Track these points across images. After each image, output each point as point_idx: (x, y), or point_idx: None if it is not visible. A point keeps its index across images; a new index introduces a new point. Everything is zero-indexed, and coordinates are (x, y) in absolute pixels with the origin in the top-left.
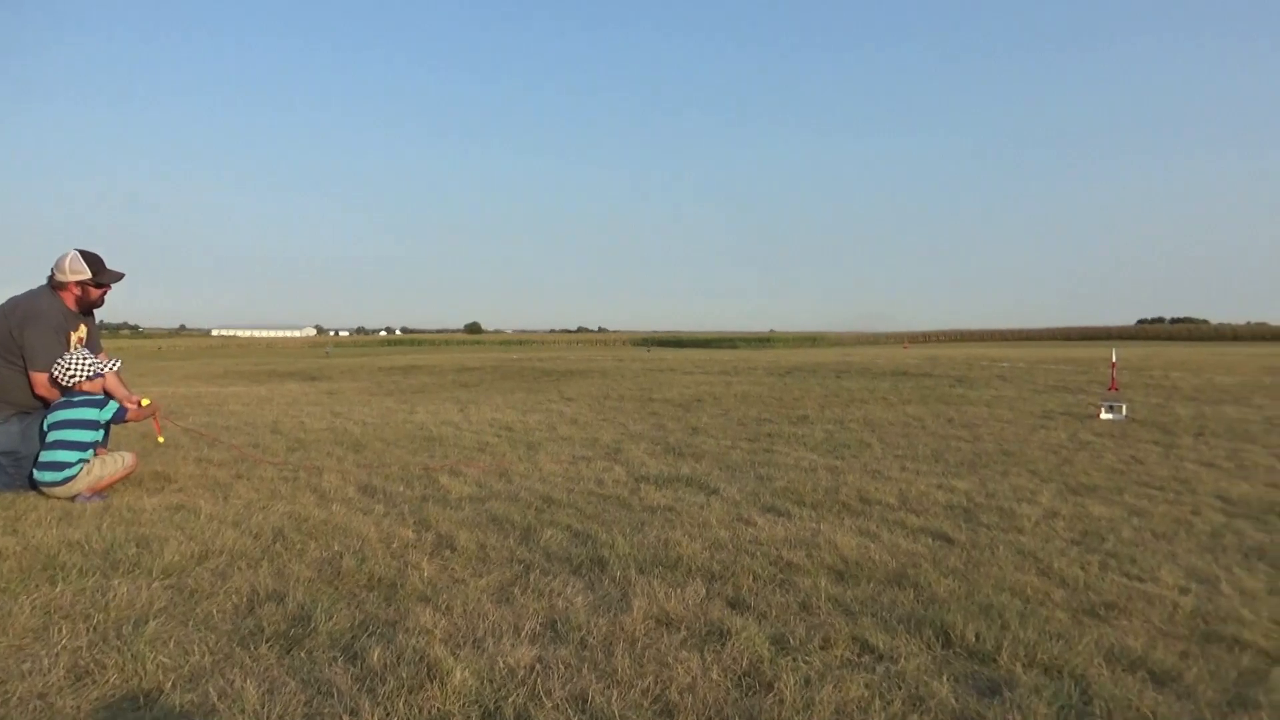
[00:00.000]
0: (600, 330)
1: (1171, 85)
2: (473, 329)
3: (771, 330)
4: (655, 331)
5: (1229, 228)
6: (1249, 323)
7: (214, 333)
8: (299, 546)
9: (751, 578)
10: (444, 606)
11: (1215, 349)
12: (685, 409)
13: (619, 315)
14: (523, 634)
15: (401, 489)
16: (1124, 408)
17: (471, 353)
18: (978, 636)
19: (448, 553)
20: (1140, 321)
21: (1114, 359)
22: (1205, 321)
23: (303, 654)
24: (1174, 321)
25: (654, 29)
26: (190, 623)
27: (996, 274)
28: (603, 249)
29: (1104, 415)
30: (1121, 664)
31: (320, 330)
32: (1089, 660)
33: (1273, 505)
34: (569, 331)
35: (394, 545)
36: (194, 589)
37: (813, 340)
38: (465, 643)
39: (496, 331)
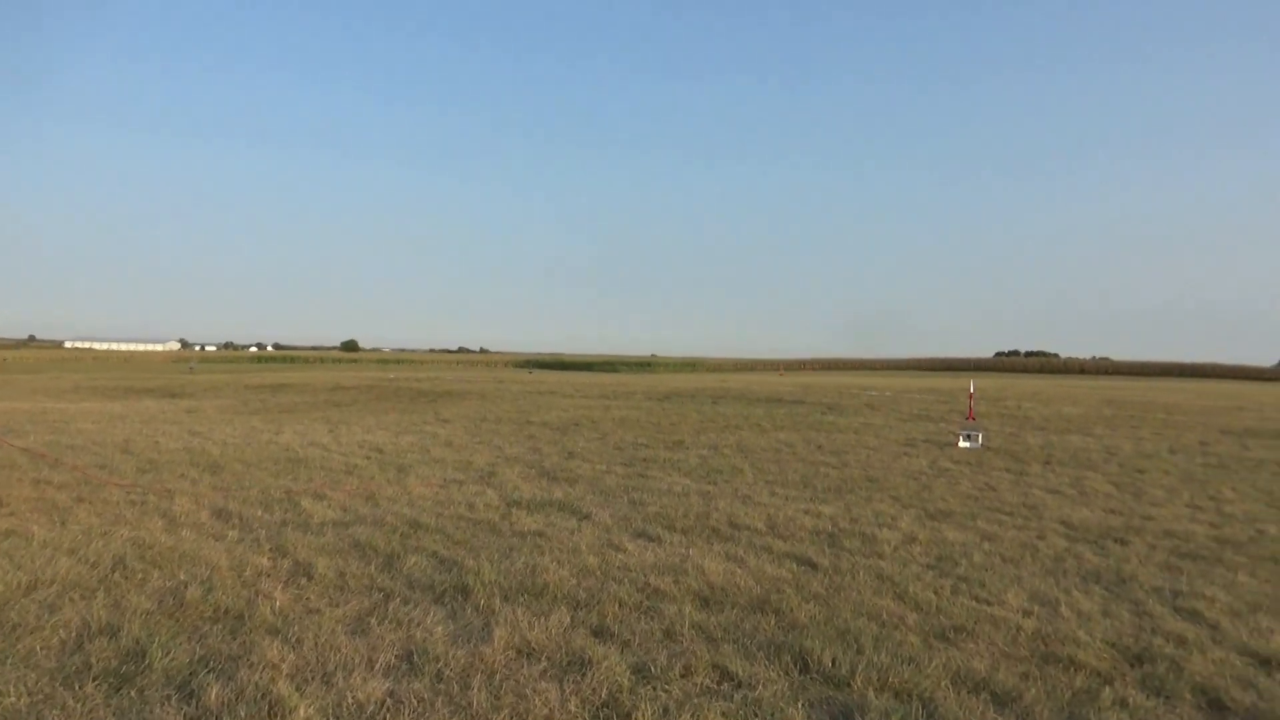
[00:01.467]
0: (482, 351)
1: (1028, 122)
2: (349, 347)
3: (653, 354)
4: (538, 353)
5: (1079, 267)
6: (1094, 357)
7: (67, 345)
8: (140, 576)
9: (618, 605)
10: (294, 639)
11: (1063, 381)
12: (563, 432)
13: (502, 336)
14: (376, 667)
15: (260, 513)
16: (980, 436)
17: (346, 372)
18: (834, 661)
19: (304, 581)
20: (998, 354)
21: (971, 389)
22: (1055, 355)
23: (133, 693)
24: (1028, 355)
25: (530, 47)
26: (9, 660)
27: (867, 305)
28: (486, 268)
29: (962, 443)
30: (967, 686)
31: (184, 344)
32: (937, 683)
33: (1110, 530)
34: (449, 352)
35: (246, 574)
36: (17, 623)
37: (692, 365)
38: (313, 678)
39: (374, 350)
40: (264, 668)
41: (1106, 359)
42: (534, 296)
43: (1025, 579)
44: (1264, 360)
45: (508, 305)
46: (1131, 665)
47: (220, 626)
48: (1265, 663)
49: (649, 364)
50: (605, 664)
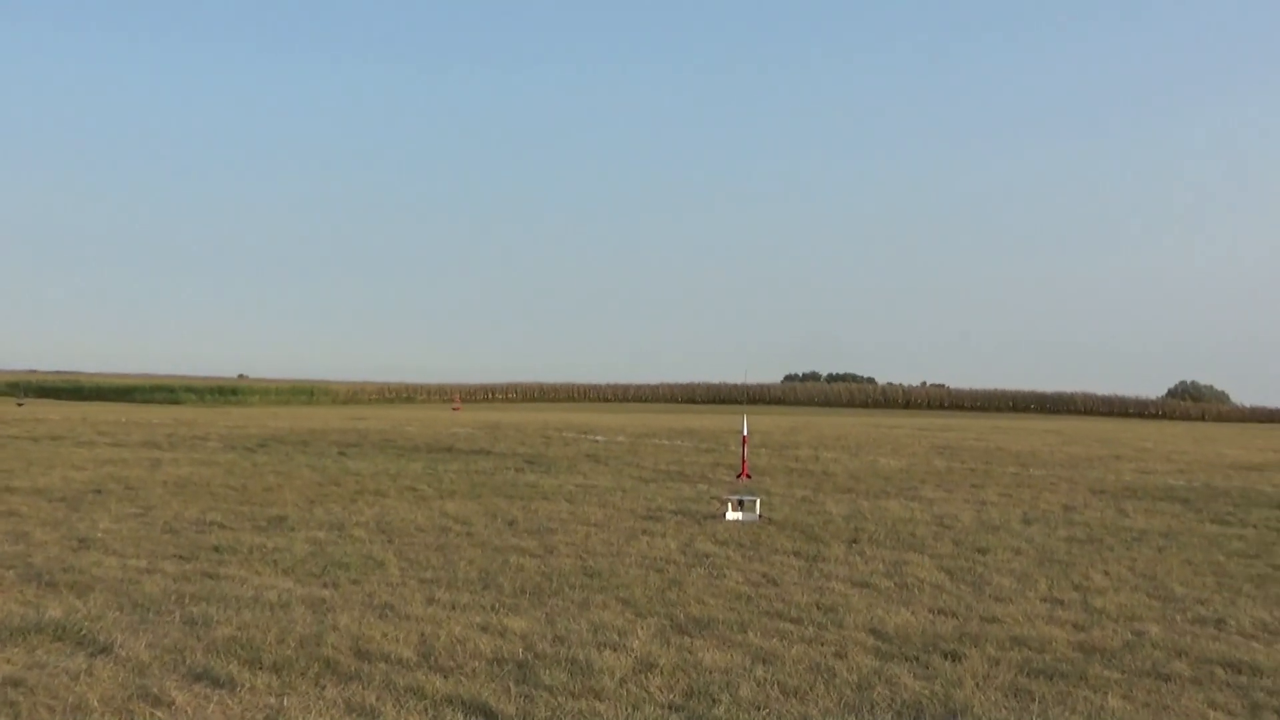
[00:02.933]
0: None
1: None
2: None
3: (242, 375)
4: (35, 372)
5: (901, 264)
6: (924, 384)
7: None
8: None
9: None
10: None
11: (881, 419)
12: (73, 507)
13: None
14: None
15: None
16: (757, 504)
17: None
18: None
19: None
20: (788, 378)
21: (744, 432)
22: (870, 380)
23: None
24: (831, 379)
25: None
26: None
27: (596, 310)
28: None
29: (730, 515)
30: None
31: None
32: None
33: (938, 640)
34: None
35: None
36: None
37: (308, 392)
38: None
39: None
40: None
41: (941, 387)
42: (45, 283)
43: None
44: (1149, 390)
45: None
46: None
47: None
48: None
49: (235, 390)
50: None
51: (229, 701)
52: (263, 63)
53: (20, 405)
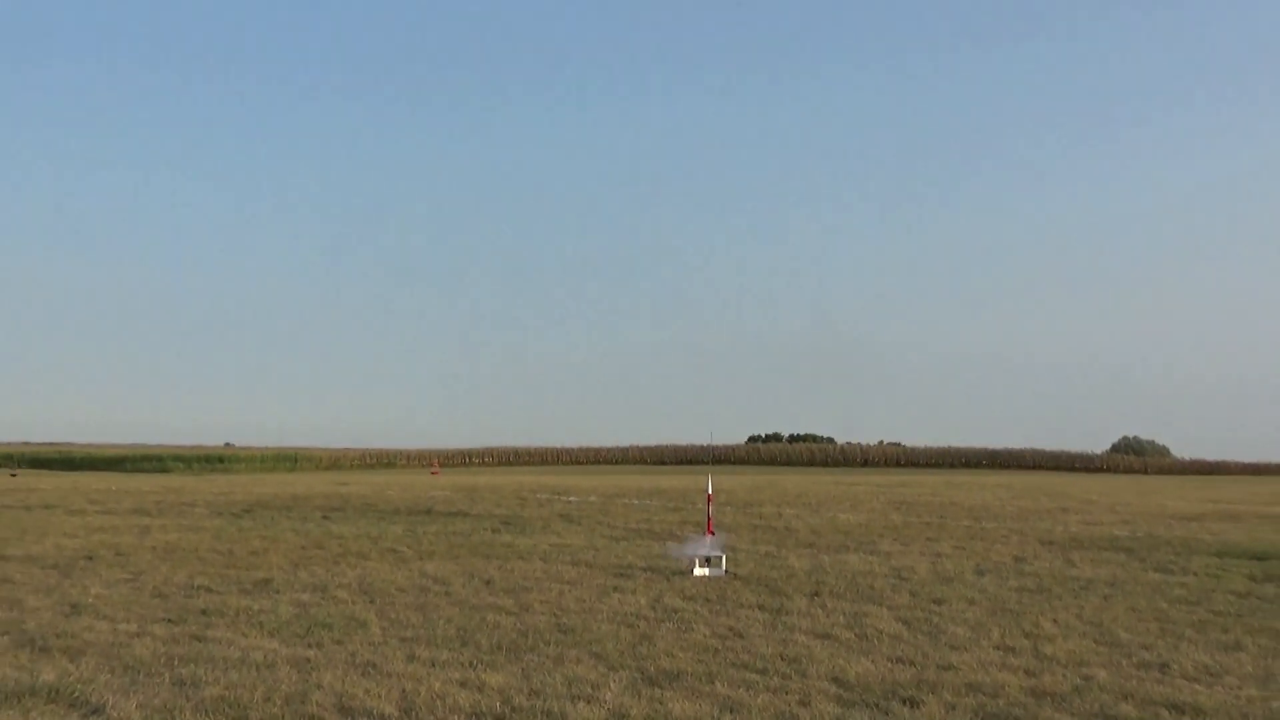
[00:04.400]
0: None
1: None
2: None
3: (228, 444)
4: (28, 444)
5: (853, 325)
6: (881, 443)
7: None
8: None
9: None
10: None
11: (840, 477)
12: (65, 574)
13: None
14: None
15: None
16: (723, 559)
17: None
18: None
19: None
20: (752, 439)
21: (709, 491)
22: (830, 440)
23: None
24: (793, 439)
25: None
26: None
27: (569, 376)
28: None
29: (698, 570)
30: None
31: None
32: None
33: (897, 687)
34: None
35: None
36: None
37: (291, 459)
38: None
39: None
40: None
41: (897, 445)
42: (36, 357)
43: None
44: (1092, 445)
45: None
46: None
47: None
48: None
49: (221, 458)
50: None
51: None
52: (241, 144)
53: (14, 476)
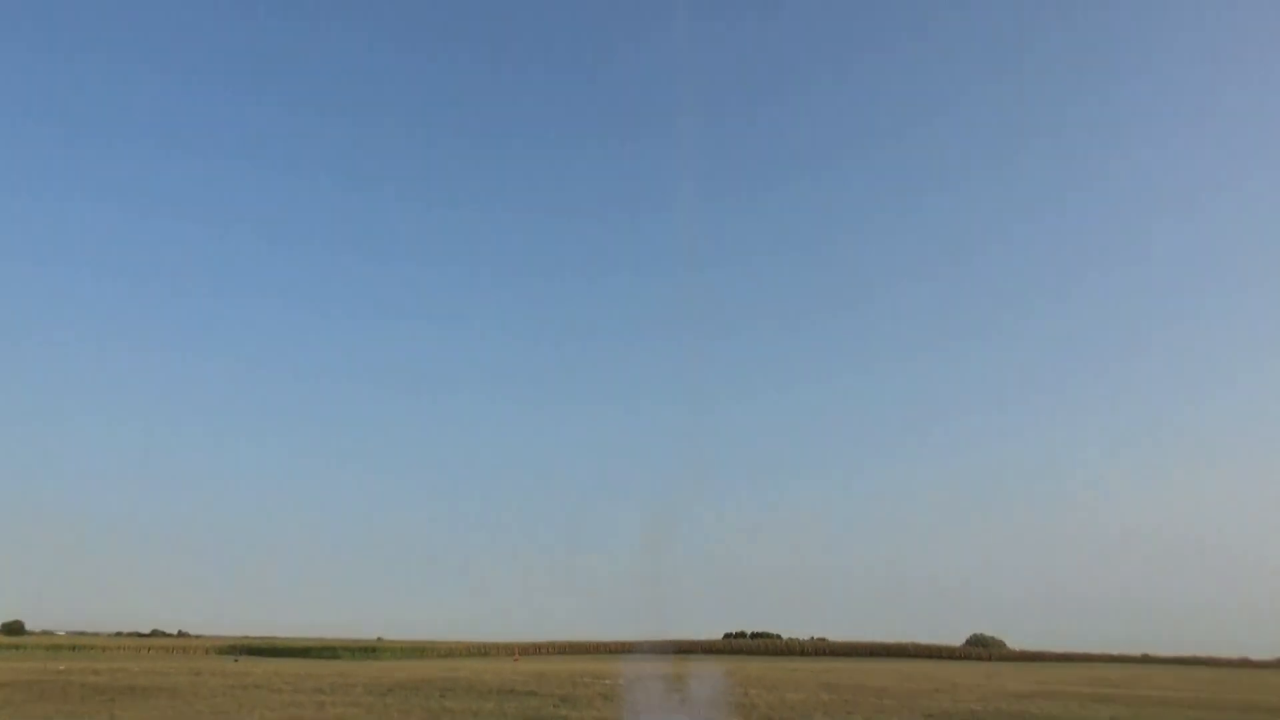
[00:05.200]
0: (180, 634)
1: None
2: (12, 629)
3: (379, 637)
4: (246, 636)
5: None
6: (812, 638)
7: None
8: None
9: None
10: None
11: (786, 664)
12: None
13: (203, 615)
14: None
15: None
16: None
17: (3, 662)
18: None
19: None
20: (727, 635)
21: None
22: (778, 636)
23: None
24: (754, 636)
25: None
26: None
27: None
28: (183, 533)
29: None
30: None
31: None
32: None
33: None
34: (140, 635)
35: None
36: None
37: (421, 650)
38: None
39: (45, 633)
40: None
41: (824, 640)
42: (244, 567)
43: None
44: (953, 638)
45: (211, 578)
46: None
47: None
48: None
49: (374, 649)
50: None
51: None
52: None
53: (235, 662)
